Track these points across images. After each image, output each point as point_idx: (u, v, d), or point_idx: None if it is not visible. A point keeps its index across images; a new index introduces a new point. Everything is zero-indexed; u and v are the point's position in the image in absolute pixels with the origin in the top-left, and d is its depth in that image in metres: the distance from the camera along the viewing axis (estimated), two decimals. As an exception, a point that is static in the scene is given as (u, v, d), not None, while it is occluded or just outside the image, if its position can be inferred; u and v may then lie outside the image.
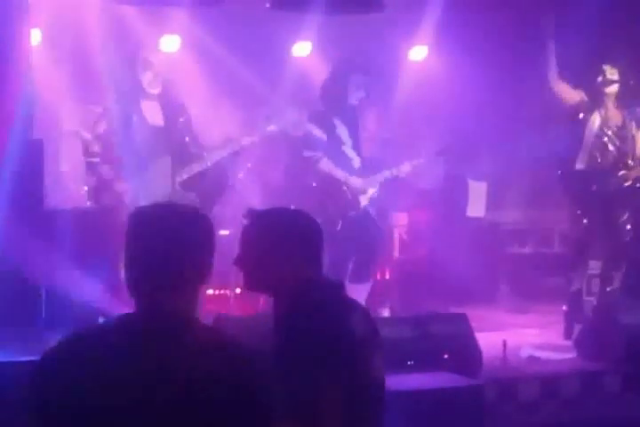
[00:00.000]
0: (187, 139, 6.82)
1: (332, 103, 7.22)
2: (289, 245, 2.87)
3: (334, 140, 7.18)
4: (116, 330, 2.27)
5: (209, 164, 6.80)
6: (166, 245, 2.28)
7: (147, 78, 6.66)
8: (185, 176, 6.74)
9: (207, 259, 2.34)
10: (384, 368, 2.87)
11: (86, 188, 7.26)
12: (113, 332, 2.27)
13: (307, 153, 7.15)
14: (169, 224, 2.31)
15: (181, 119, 6.83)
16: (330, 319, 2.78)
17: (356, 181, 7.19)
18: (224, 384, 2.18)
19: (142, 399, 2.16)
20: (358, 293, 6.99)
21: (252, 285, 2.98)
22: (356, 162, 7.28)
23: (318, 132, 7.15)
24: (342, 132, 7.21)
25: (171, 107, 6.78)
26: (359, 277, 7.10)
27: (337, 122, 7.19)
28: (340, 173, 7.17)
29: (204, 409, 2.16)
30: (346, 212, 7.14)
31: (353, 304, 2.96)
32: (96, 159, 6.68)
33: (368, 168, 7.29)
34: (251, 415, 2.19)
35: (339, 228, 7.04)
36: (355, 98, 7.24)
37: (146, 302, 2.28)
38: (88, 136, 6.75)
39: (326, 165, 7.14)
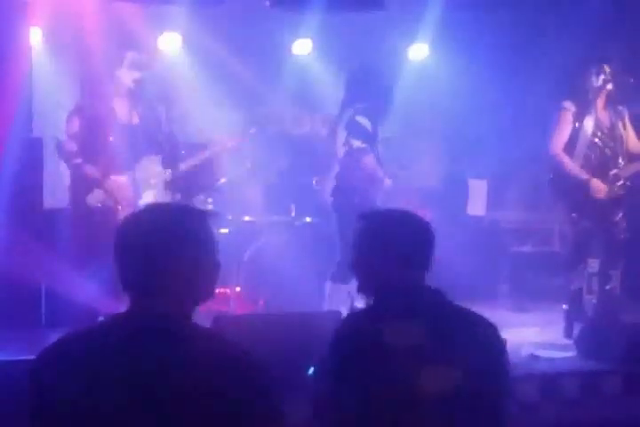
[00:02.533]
0: (159, 137, 6.70)
1: (390, 104, 7.08)
2: (398, 247, 2.89)
3: (375, 139, 7.02)
4: (108, 330, 2.29)
5: (193, 164, 6.77)
6: (151, 245, 2.27)
7: (123, 74, 6.56)
8: (170, 176, 6.69)
9: (198, 257, 2.31)
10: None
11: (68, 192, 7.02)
12: (105, 332, 2.28)
13: (356, 143, 6.86)
14: (156, 225, 2.31)
15: (155, 119, 6.72)
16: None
17: (387, 182, 7.10)
18: (221, 383, 2.19)
19: (135, 399, 2.16)
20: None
21: (365, 288, 2.98)
22: None
23: (367, 123, 6.91)
24: (377, 132, 7.12)
25: (146, 106, 6.68)
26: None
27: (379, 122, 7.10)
28: (380, 172, 6.98)
29: (200, 408, 2.16)
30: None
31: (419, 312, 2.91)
32: (78, 160, 6.43)
33: None
34: (249, 416, 2.19)
35: None
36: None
37: (136, 301, 2.30)
38: (62, 137, 6.49)
39: (371, 161, 6.91)
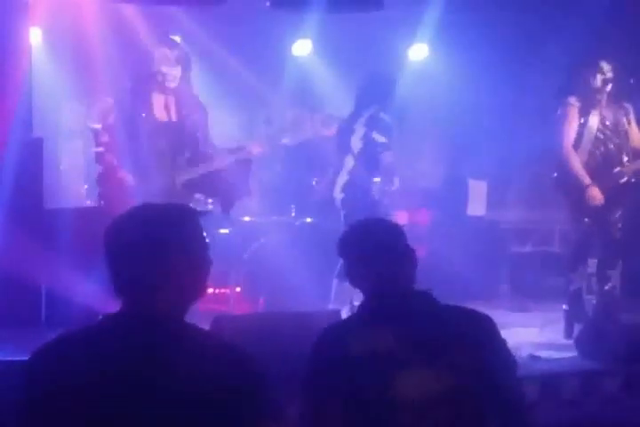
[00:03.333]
0: (198, 134, 6.67)
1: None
2: (366, 257, 2.89)
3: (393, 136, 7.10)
4: (101, 330, 2.29)
5: (215, 167, 6.72)
6: (140, 246, 2.27)
7: (162, 72, 6.50)
8: (190, 176, 6.63)
9: (189, 256, 2.31)
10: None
11: (86, 186, 7.17)
12: (98, 332, 2.28)
13: (381, 139, 6.95)
14: (145, 225, 2.30)
15: (195, 116, 6.69)
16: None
17: (396, 182, 7.11)
18: (220, 382, 2.19)
19: (133, 399, 2.17)
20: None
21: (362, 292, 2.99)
22: None
23: (389, 120, 7.00)
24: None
25: (184, 103, 6.65)
26: None
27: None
28: (394, 168, 7.05)
29: (199, 407, 2.16)
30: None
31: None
32: (102, 149, 6.54)
33: None
34: (243, 416, 2.20)
35: None
36: None
37: (129, 302, 2.29)
38: (98, 126, 6.60)
39: (390, 155, 6.97)
